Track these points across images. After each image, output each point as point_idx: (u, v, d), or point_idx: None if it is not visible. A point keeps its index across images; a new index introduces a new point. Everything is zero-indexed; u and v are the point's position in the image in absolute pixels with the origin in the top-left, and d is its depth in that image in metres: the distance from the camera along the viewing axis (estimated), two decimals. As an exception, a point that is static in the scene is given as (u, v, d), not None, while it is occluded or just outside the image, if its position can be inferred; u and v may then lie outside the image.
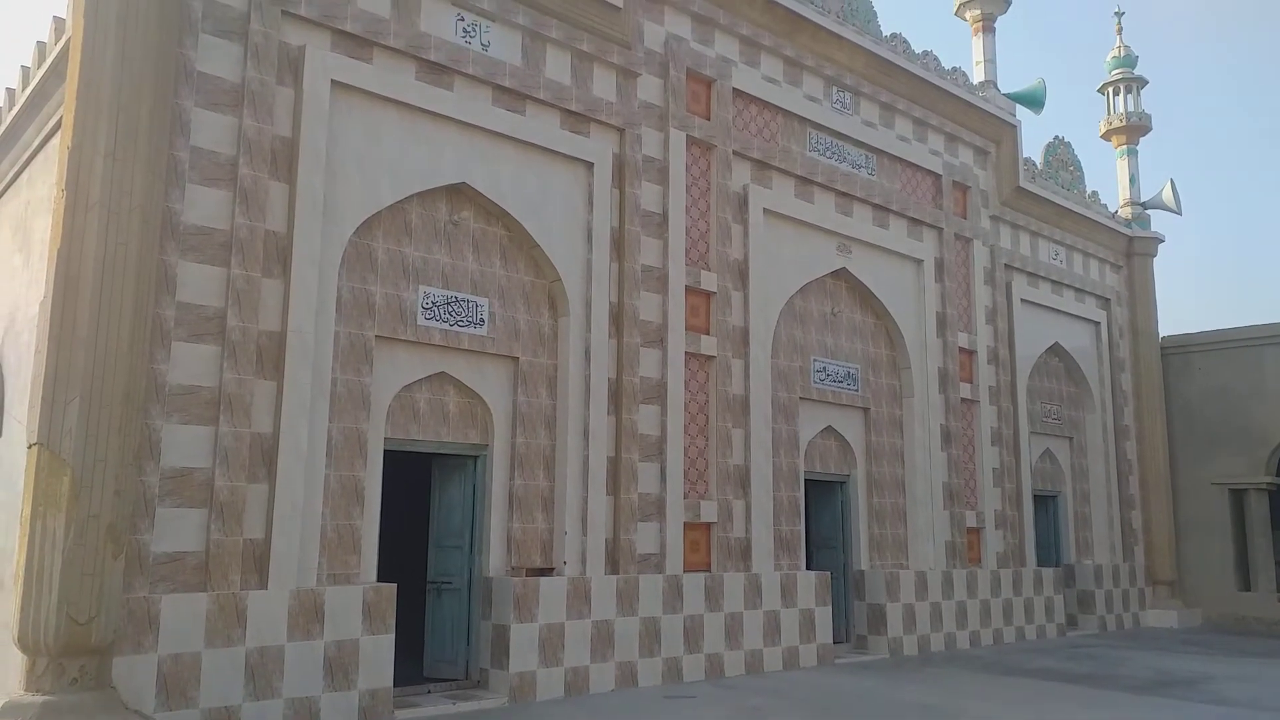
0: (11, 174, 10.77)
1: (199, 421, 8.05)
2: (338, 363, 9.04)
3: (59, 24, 9.17)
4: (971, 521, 15.45)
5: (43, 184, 9.36)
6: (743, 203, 12.81)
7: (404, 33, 9.64)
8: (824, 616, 12.80)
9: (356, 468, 9.07)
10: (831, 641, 12.89)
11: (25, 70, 10.29)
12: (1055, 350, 18.37)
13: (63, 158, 7.37)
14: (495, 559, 10.10)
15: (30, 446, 7.04)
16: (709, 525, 11.80)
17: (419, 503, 11.10)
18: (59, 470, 6.86)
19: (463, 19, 10.20)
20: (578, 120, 11.10)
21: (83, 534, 6.84)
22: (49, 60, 9.18)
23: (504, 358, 10.39)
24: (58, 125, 8.51)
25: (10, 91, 10.83)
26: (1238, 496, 19.57)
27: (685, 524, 11.48)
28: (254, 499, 8.26)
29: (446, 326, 9.90)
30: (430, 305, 9.79)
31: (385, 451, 9.43)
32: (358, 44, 9.36)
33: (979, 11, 18.07)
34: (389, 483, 9.68)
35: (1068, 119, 34.51)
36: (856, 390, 14.27)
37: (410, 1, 9.80)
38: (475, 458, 10.23)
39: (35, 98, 9.72)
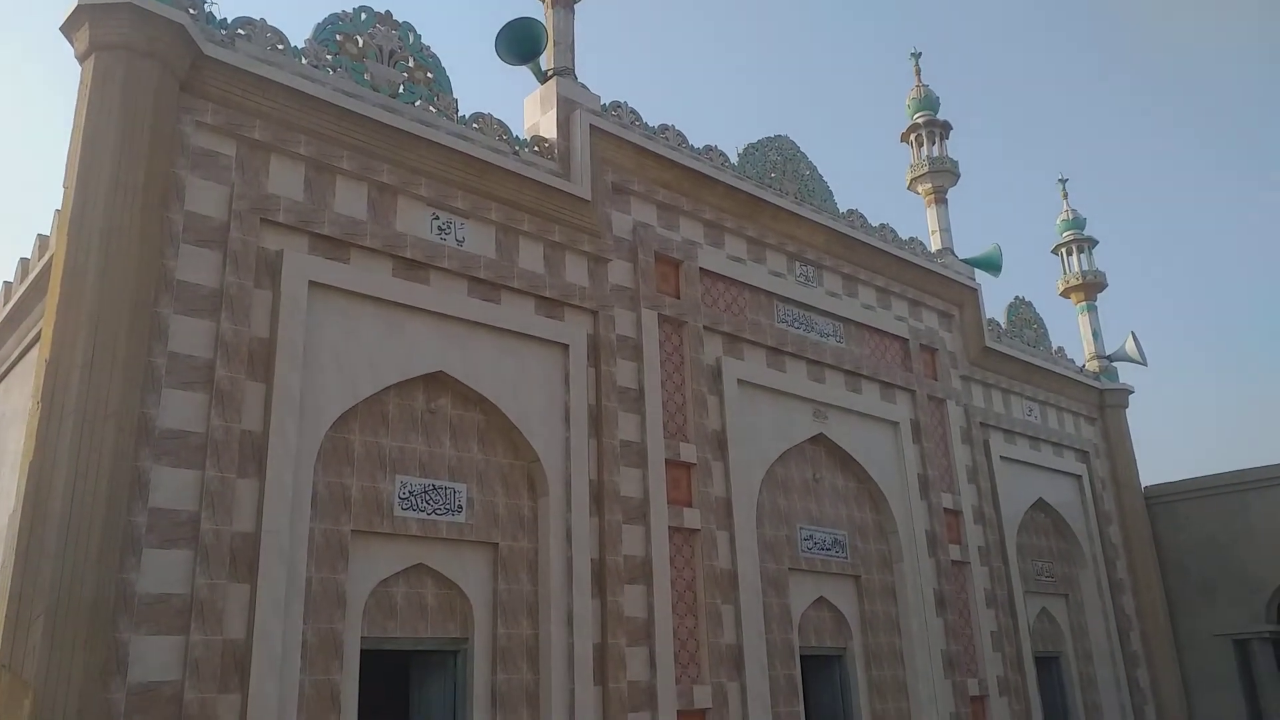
0: (-12, 386, 10.84)
1: (169, 631, 7.78)
2: (313, 561, 8.85)
3: (44, 242, 9.48)
4: (974, 689, 14.90)
5: (19, 396, 9.41)
6: (716, 374, 13.01)
7: (380, 233, 9.99)
8: (831, 804, 12.11)
9: (332, 671, 8.72)
10: (841, 832, 12.15)
11: (7, 286, 10.54)
12: (1040, 506, 18.29)
13: (40, 370, 7.44)
14: (480, 762, 9.58)
15: (-11, 670, 6.75)
16: (703, 712, 11.29)
17: (398, 706, 10.61)
18: (20, 693, 6.57)
19: (438, 217, 10.61)
20: (552, 305, 11.38)
21: (40, 763, 6.48)
22: (31, 276, 9.42)
23: (483, 544, 10.22)
24: (36, 338, 8.64)
25: (-8, 306, 11.05)
26: (1242, 647, 19.04)
27: (678, 713, 10.98)
28: (226, 712, 7.88)
29: (424, 516, 9.77)
30: (407, 495, 9.70)
31: (362, 652, 9.10)
32: (335, 245, 9.67)
33: (930, 185, 19.04)
34: (366, 686, 9.29)
35: (1026, 279, 35.93)
36: (846, 558, 14.07)
37: (386, 203, 10.21)
38: (455, 653, 9.87)
39: (16, 312, 9.92)
